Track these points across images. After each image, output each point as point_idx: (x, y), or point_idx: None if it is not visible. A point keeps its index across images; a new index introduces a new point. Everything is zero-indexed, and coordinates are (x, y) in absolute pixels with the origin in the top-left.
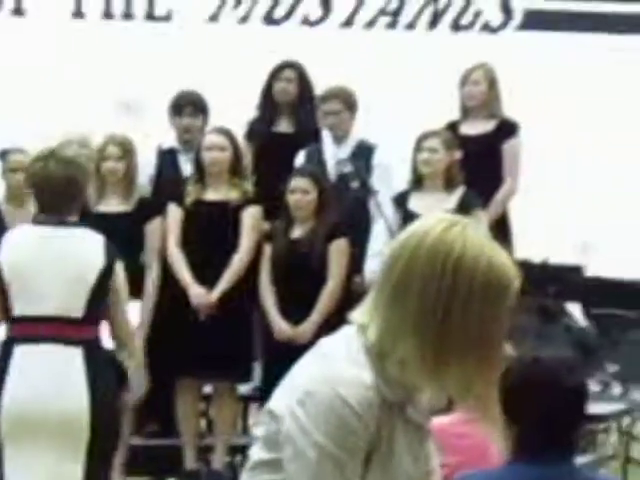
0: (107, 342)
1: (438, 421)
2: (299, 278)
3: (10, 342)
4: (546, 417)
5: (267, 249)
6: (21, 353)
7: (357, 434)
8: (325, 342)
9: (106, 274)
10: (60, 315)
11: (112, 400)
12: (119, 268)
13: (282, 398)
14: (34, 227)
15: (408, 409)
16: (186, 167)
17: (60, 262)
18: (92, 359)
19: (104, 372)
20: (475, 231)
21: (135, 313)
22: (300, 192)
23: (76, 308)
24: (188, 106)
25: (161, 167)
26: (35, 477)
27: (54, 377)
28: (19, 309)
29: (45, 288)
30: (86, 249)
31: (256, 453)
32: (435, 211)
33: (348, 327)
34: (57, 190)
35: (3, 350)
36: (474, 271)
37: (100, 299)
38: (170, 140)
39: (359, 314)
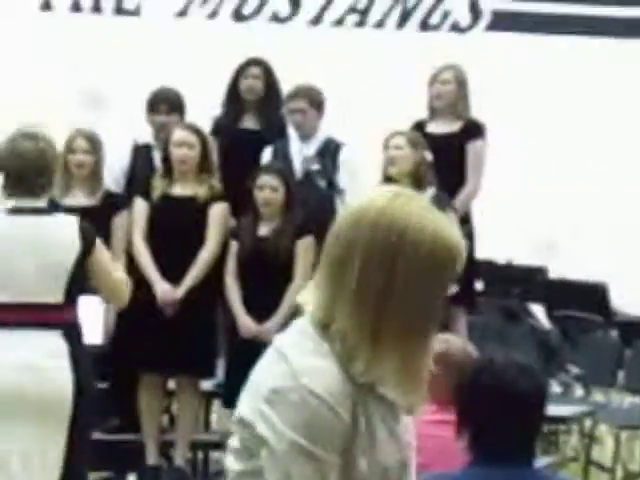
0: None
1: None
2: (265, 275)
3: None
4: (498, 420)
5: (233, 245)
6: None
7: (330, 427)
8: (279, 338)
9: (83, 257)
10: (39, 301)
11: (93, 382)
12: (99, 246)
13: (248, 402)
14: (7, 215)
15: (378, 388)
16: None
17: (36, 248)
18: (73, 341)
19: (85, 354)
20: (420, 202)
21: (99, 307)
22: (268, 189)
23: (55, 293)
24: (163, 104)
25: (135, 162)
26: (17, 454)
27: (35, 360)
28: None
29: (22, 275)
30: (61, 233)
31: (232, 464)
32: None
33: (298, 319)
34: (28, 164)
35: None
36: (419, 243)
37: (79, 282)
38: (146, 135)
39: (302, 296)
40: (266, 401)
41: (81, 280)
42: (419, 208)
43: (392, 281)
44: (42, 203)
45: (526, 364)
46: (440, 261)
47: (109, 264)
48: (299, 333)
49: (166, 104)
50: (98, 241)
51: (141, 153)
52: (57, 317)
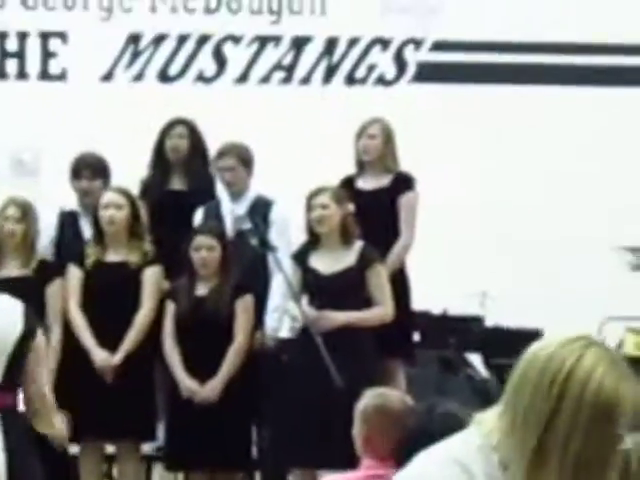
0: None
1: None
2: (204, 335)
3: None
4: None
5: (170, 307)
6: None
7: None
8: (452, 448)
9: (25, 340)
10: None
11: (31, 467)
12: (39, 335)
13: None
14: None
15: None
16: (87, 229)
17: None
18: (10, 427)
19: (23, 439)
20: (597, 349)
21: None
22: (204, 249)
23: None
24: (86, 169)
25: (62, 229)
26: None
27: None
28: None
29: None
30: (3, 315)
31: None
32: (335, 267)
33: (475, 430)
34: None
35: None
36: (581, 393)
37: (19, 366)
38: (72, 202)
39: (488, 418)
40: None
41: (22, 364)
42: (591, 355)
43: (553, 428)
44: None
45: (461, 414)
46: (602, 414)
47: (44, 366)
48: (479, 450)
49: (89, 169)
50: (39, 334)
51: (67, 221)
52: None
